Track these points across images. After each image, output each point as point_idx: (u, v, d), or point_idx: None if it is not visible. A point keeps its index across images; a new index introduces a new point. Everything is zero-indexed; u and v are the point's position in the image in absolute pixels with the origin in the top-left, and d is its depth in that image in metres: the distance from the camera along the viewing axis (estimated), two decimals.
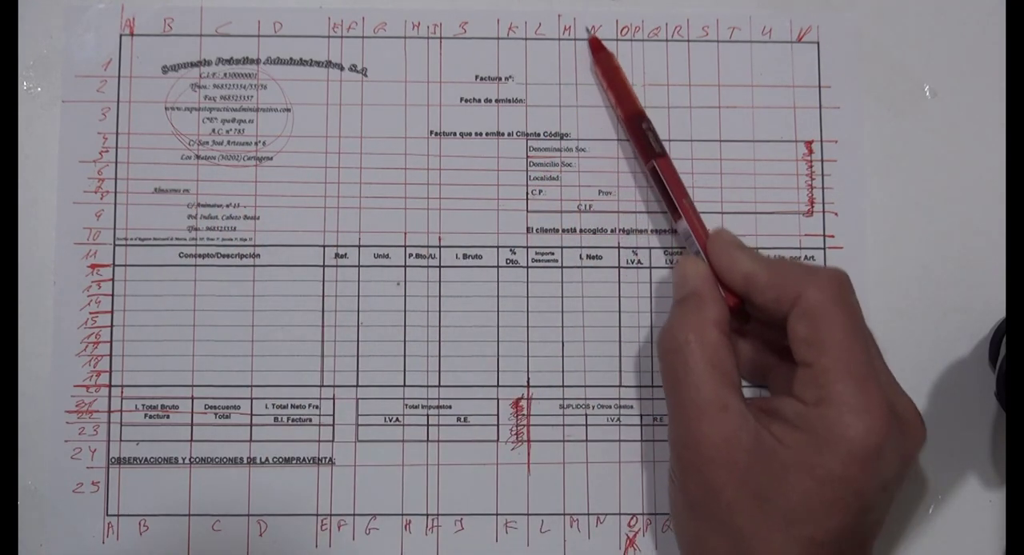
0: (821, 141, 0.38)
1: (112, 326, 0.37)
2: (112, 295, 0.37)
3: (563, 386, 0.37)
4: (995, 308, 0.38)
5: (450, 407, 0.37)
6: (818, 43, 0.39)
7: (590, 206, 0.38)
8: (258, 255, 0.37)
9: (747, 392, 0.35)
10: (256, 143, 0.38)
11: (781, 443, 0.29)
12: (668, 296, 0.37)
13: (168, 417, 0.36)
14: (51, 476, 0.36)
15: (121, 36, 0.38)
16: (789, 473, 0.29)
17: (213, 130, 0.38)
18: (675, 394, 0.31)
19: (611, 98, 0.37)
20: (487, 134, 0.38)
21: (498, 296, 0.37)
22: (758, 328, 0.34)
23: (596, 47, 0.38)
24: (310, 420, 0.36)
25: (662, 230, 0.38)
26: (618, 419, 0.37)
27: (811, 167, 0.38)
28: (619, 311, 0.37)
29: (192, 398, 0.36)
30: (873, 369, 0.29)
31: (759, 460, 0.29)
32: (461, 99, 0.38)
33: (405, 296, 0.37)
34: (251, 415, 0.36)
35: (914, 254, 0.38)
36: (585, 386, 0.37)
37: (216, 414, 0.36)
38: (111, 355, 0.36)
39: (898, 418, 0.30)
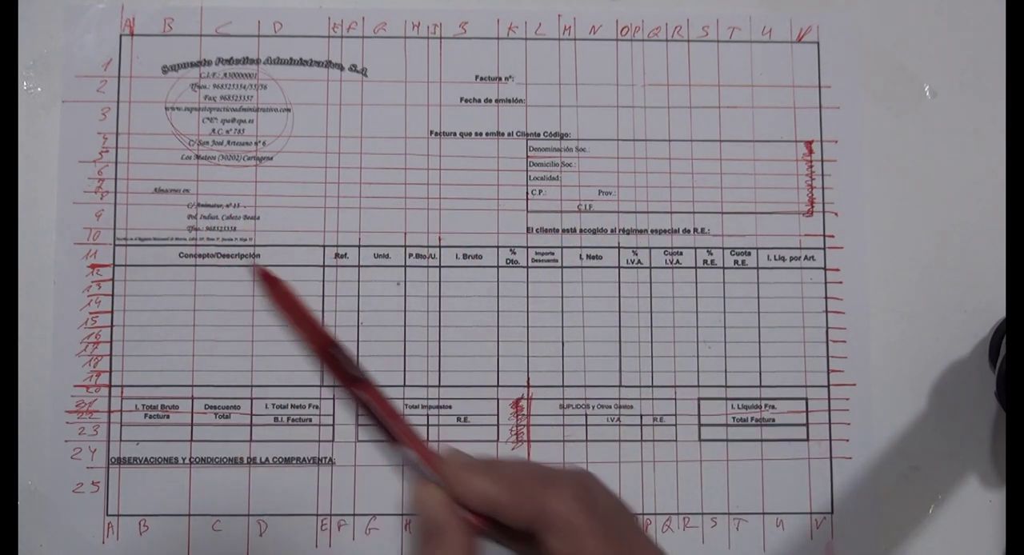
0: (821, 141, 0.38)
1: (112, 326, 0.37)
2: (112, 295, 0.37)
3: (563, 386, 0.37)
4: (995, 308, 0.38)
5: (450, 407, 0.37)
6: (818, 43, 0.39)
7: (590, 206, 0.38)
8: (258, 255, 0.37)
9: None
10: (256, 143, 0.38)
11: None
12: (667, 296, 0.37)
13: (168, 417, 0.36)
14: (51, 476, 0.36)
15: (121, 36, 0.38)
16: None
17: (213, 130, 0.38)
18: None
19: (296, 331, 0.33)
20: (487, 134, 0.38)
21: (498, 296, 0.37)
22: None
23: (268, 280, 0.33)
24: (310, 420, 0.36)
25: (662, 230, 0.38)
26: (618, 419, 0.37)
27: (811, 167, 0.38)
28: (619, 311, 0.37)
29: (192, 398, 0.36)
30: None
31: None
32: (461, 99, 0.38)
33: (405, 296, 0.37)
34: (251, 415, 0.36)
35: (914, 254, 0.38)
36: (585, 386, 0.37)
37: (216, 414, 0.36)
38: (111, 355, 0.36)
39: None
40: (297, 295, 0.34)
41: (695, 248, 0.38)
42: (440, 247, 0.37)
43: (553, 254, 0.37)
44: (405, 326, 0.37)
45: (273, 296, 0.34)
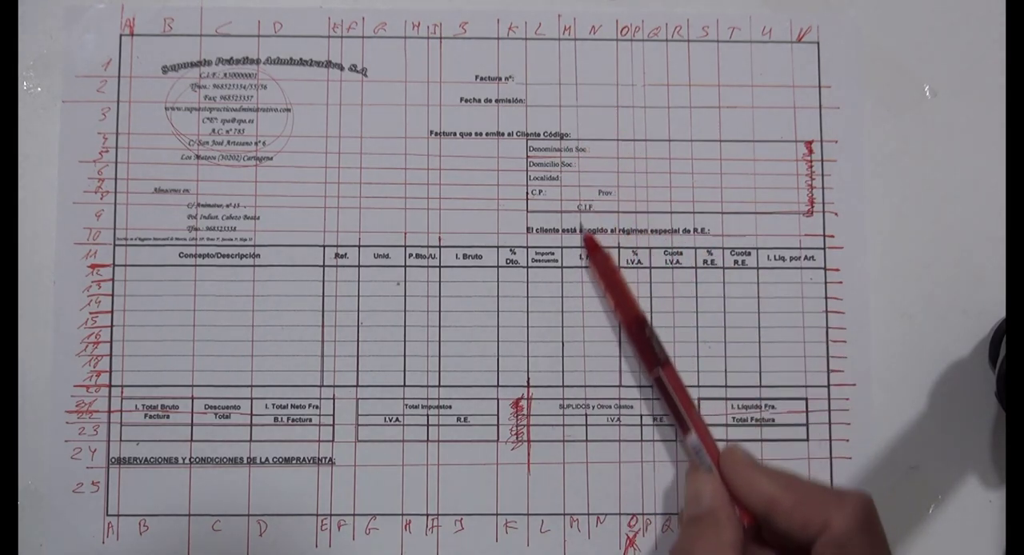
0: (821, 141, 0.38)
1: (112, 326, 0.37)
2: (112, 295, 0.37)
3: (563, 386, 0.37)
4: (995, 308, 0.38)
5: (450, 407, 0.37)
6: (818, 43, 0.39)
7: (590, 206, 0.38)
8: (258, 255, 0.37)
9: None
10: (256, 143, 0.38)
11: None
12: (667, 296, 0.37)
13: (168, 417, 0.36)
14: (51, 476, 0.36)
15: (121, 36, 0.38)
16: None
17: (213, 130, 0.38)
18: None
19: (609, 301, 0.36)
20: (487, 134, 0.38)
21: (498, 296, 0.37)
22: (772, 537, 0.33)
23: (592, 247, 0.36)
24: (310, 420, 0.36)
25: (662, 230, 0.38)
26: (618, 419, 0.37)
27: (811, 167, 0.38)
28: None
29: (192, 398, 0.36)
30: None
31: None
32: (461, 99, 0.38)
33: (405, 296, 0.37)
34: (251, 415, 0.36)
35: (914, 254, 0.38)
36: (585, 386, 0.37)
37: (216, 414, 0.36)
38: (111, 355, 0.36)
39: None
40: (617, 269, 0.36)
41: (695, 248, 0.38)
42: (440, 247, 0.37)
43: (553, 254, 0.37)
44: (405, 326, 0.37)
45: (595, 265, 0.36)
